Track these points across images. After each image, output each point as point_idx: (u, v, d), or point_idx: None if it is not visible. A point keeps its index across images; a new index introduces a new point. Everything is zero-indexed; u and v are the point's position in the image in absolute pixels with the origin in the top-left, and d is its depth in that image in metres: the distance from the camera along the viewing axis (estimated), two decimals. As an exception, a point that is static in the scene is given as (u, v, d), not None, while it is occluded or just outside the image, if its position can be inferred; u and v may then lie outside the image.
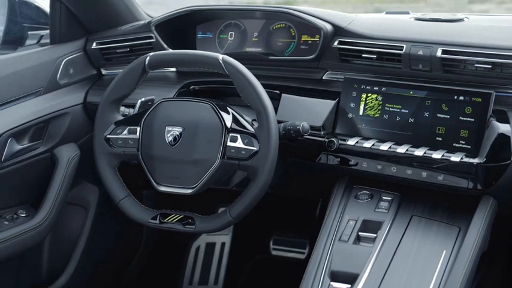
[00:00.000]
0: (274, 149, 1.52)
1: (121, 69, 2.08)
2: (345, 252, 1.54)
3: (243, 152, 1.54)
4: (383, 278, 1.45)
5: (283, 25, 1.95)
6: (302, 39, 1.93)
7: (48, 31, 2.10)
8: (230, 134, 1.55)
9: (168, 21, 1.98)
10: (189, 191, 1.57)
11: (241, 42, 2.00)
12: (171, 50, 1.67)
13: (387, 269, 1.47)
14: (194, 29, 2.06)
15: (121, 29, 2.10)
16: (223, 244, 2.65)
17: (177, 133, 1.58)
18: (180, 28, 2.02)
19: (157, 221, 1.62)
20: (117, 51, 2.07)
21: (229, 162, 1.55)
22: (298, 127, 1.64)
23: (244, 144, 1.54)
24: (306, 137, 1.67)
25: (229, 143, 1.55)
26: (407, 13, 2.10)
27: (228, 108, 1.60)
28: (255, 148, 1.53)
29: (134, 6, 2.16)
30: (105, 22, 2.10)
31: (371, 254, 1.51)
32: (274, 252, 2.59)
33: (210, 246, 2.65)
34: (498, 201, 1.58)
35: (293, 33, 1.93)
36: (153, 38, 2.00)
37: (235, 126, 1.57)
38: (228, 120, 1.57)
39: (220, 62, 1.56)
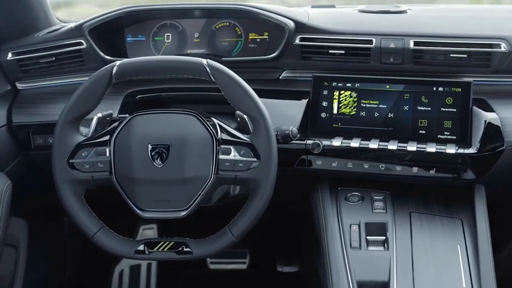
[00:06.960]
0: (275, 158, 1.40)
1: (40, 82, 1.85)
2: (363, 260, 1.46)
3: (240, 165, 1.39)
4: (413, 281, 1.40)
5: (227, 24, 1.81)
6: (250, 37, 1.81)
7: None
8: (222, 146, 1.40)
9: (100, 25, 1.75)
10: (182, 213, 1.39)
11: (180, 44, 1.83)
12: (142, 57, 1.46)
13: (413, 272, 1.42)
14: (123, 32, 1.84)
15: (38, 35, 1.83)
16: (149, 265, 2.44)
17: (164, 150, 1.39)
18: (109, 32, 1.80)
19: (145, 253, 1.42)
20: (40, 61, 1.79)
21: (225, 176, 1.40)
22: (287, 132, 1.54)
23: (241, 155, 1.39)
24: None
25: (221, 156, 1.39)
26: (333, 6, 2.07)
27: (212, 118, 1.45)
28: (254, 159, 1.39)
29: (49, 11, 1.89)
30: (19, 29, 1.81)
31: (390, 258, 1.46)
32: (212, 266, 2.43)
33: (135, 269, 2.43)
34: (487, 189, 1.59)
35: (239, 32, 1.80)
36: (83, 45, 1.76)
37: (226, 137, 1.41)
38: (216, 131, 1.41)
39: (206, 67, 1.40)
